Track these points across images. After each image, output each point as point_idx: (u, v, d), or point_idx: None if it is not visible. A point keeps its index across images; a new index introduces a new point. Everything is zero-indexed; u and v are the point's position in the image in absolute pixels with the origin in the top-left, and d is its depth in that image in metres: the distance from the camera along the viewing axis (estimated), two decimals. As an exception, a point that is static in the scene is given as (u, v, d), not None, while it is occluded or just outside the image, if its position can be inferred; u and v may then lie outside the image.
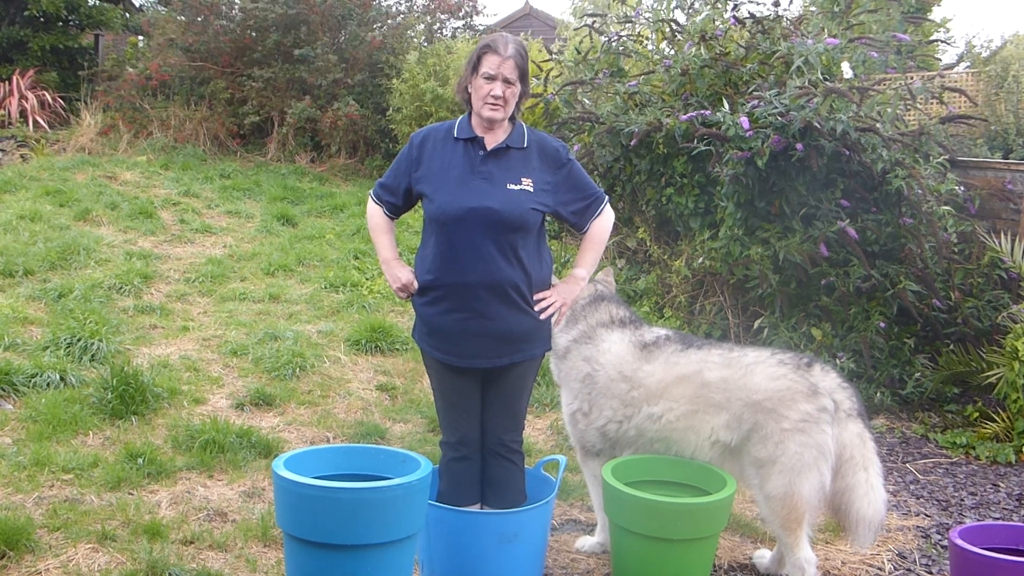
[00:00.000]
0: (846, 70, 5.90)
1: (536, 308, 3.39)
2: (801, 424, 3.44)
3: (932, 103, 7.24)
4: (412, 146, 3.43)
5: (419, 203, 3.50)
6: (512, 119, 3.41)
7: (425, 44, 12.46)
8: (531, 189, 3.32)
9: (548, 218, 3.50)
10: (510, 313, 3.33)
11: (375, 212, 3.54)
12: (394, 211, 3.51)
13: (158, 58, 12.19)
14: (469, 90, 3.35)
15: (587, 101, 7.18)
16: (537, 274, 3.39)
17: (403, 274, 3.43)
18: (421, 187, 3.37)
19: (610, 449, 3.78)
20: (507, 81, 3.27)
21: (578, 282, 3.51)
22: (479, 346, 3.34)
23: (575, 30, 9.95)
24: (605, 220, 3.50)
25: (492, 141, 3.35)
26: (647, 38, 7.75)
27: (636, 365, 3.69)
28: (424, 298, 3.41)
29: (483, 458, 3.48)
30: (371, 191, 3.57)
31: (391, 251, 3.51)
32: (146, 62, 12.48)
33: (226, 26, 12.18)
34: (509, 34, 3.41)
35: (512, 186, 3.30)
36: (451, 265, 3.30)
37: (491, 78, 3.27)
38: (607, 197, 3.55)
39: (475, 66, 3.31)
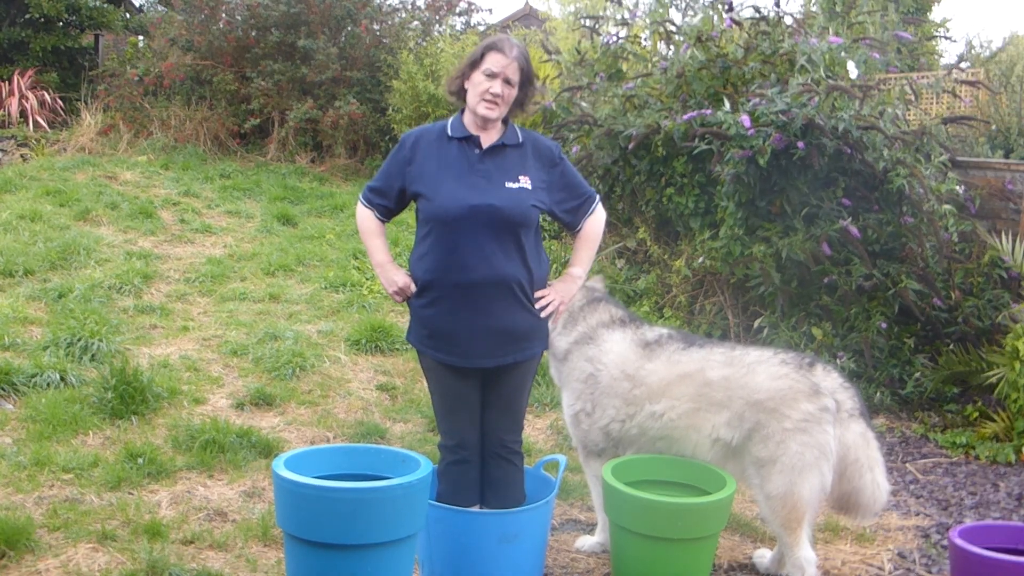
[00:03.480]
0: (851, 69, 5.90)
1: (536, 307, 3.40)
2: (802, 424, 3.44)
3: (935, 103, 7.25)
4: (404, 147, 3.39)
5: (411, 204, 3.48)
6: (504, 121, 3.41)
7: (422, 43, 12.46)
8: (529, 187, 3.33)
9: (545, 218, 3.51)
10: (513, 310, 3.33)
11: (366, 216, 3.48)
12: (386, 214, 3.47)
13: (167, 59, 12.18)
14: (465, 86, 3.34)
15: (584, 105, 7.18)
16: (537, 272, 3.40)
17: (399, 278, 3.42)
18: (416, 187, 3.34)
19: (613, 448, 3.78)
20: (508, 82, 3.28)
21: (575, 281, 3.52)
22: (483, 345, 3.32)
23: (573, 30, 9.95)
24: (598, 218, 3.52)
25: (487, 140, 3.35)
26: (643, 38, 7.74)
27: (639, 364, 3.69)
28: (423, 299, 3.38)
29: (483, 460, 3.47)
30: (360, 195, 3.52)
31: (385, 254, 3.48)
32: (147, 62, 12.47)
33: (229, 24, 12.18)
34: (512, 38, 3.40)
35: (511, 184, 3.30)
36: (453, 264, 3.28)
37: (493, 75, 3.26)
38: (599, 196, 3.56)
39: (476, 62, 3.30)
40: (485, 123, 3.33)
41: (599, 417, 3.72)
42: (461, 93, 3.38)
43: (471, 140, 3.34)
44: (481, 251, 3.25)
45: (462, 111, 3.41)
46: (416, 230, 3.44)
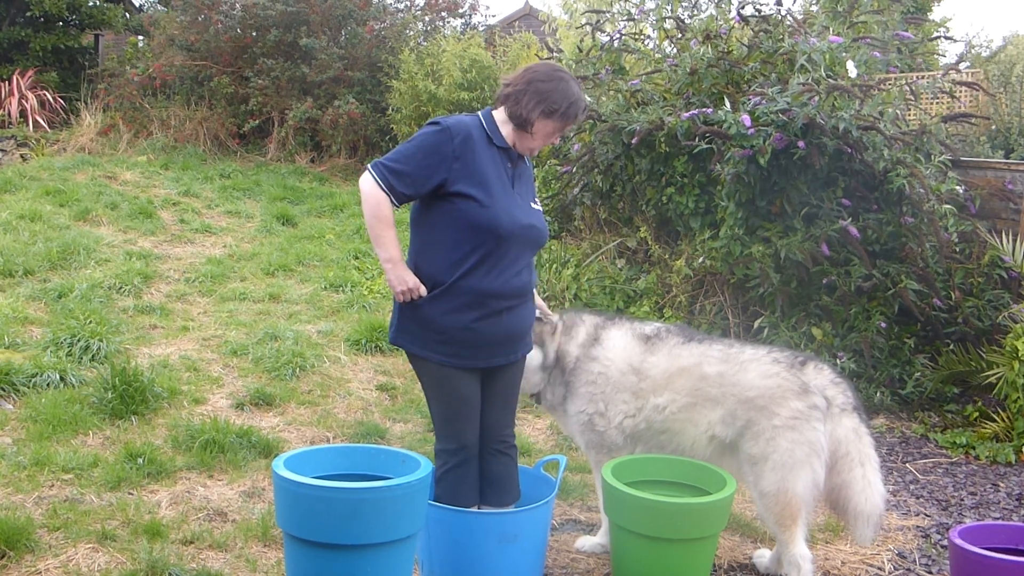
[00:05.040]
0: (851, 69, 5.90)
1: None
2: (792, 421, 3.46)
3: (934, 103, 7.25)
4: (451, 139, 3.16)
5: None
6: None
7: (423, 43, 12.46)
8: (541, 209, 3.45)
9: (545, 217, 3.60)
10: (525, 313, 3.43)
11: (382, 200, 3.15)
12: (401, 201, 3.20)
13: (162, 57, 12.21)
14: (532, 119, 3.23)
15: (588, 99, 7.18)
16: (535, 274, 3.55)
17: (410, 278, 3.24)
18: (467, 188, 3.17)
19: (631, 446, 3.79)
20: None
21: None
22: (501, 346, 3.36)
23: (577, 28, 9.96)
24: None
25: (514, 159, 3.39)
26: (648, 36, 7.75)
27: (642, 357, 3.74)
28: (443, 304, 3.25)
29: (482, 458, 3.46)
30: (374, 173, 3.17)
31: (398, 249, 3.22)
32: (146, 62, 12.48)
33: (227, 24, 12.19)
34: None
35: (535, 206, 3.41)
36: (495, 275, 3.24)
37: (562, 131, 3.37)
38: None
39: (568, 117, 3.28)
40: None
41: (613, 415, 3.74)
42: (522, 121, 3.25)
43: (508, 154, 3.32)
44: (518, 265, 3.31)
45: (490, 111, 3.34)
46: (437, 227, 3.26)
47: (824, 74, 5.93)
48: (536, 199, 3.45)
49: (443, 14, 13.39)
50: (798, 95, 5.61)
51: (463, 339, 3.27)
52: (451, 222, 3.21)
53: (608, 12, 8.53)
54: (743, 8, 7.01)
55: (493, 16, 28.90)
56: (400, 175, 3.15)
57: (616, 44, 7.27)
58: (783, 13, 6.84)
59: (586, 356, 3.80)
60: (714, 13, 7.09)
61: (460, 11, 13.53)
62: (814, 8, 7.78)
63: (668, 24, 7.32)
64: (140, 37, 14.42)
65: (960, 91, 7.04)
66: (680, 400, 3.63)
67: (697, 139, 5.96)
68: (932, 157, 6.08)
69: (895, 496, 4.65)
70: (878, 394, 5.74)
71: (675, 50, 7.11)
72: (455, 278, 3.21)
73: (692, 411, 3.62)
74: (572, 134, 7.12)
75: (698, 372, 3.63)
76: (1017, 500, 4.67)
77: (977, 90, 7.03)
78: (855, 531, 3.56)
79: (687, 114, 6.11)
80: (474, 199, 3.16)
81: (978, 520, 4.38)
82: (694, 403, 3.62)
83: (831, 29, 6.52)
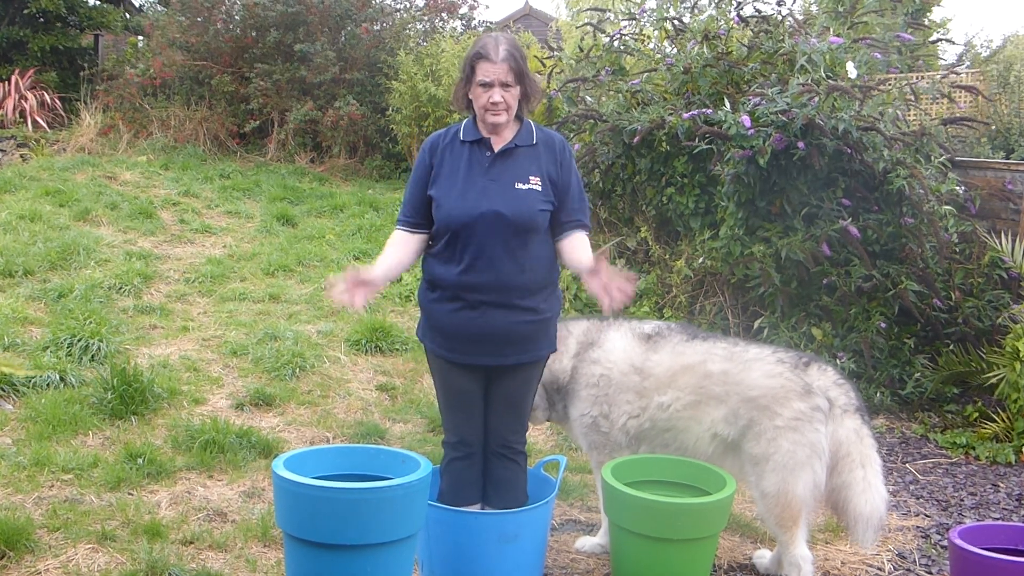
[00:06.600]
0: (851, 70, 5.91)
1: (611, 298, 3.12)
2: (793, 422, 3.46)
3: (934, 104, 7.26)
4: (424, 153, 3.41)
5: None
6: (520, 118, 3.39)
7: (423, 43, 12.46)
8: (539, 188, 3.31)
9: None
10: (514, 315, 3.32)
11: (392, 234, 3.48)
12: (404, 225, 3.42)
13: (162, 55, 12.20)
14: (470, 97, 3.33)
15: (589, 99, 7.19)
16: (545, 275, 3.38)
17: (339, 285, 3.32)
18: (432, 191, 3.36)
19: (636, 447, 3.78)
20: (504, 85, 3.25)
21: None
22: (483, 345, 3.34)
23: (578, 28, 9.97)
24: (588, 242, 3.42)
25: (500, 142, 3.34)
26: (649, 37, 7.77)
27: (645, 356, 3.73)
28: (433, 295, 3.40)
29: (486, 459, 3.47)
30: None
31: (377, 266, 3.40)
32: (146, 62, 12.47)
33: (227, 25, 12.18)
34: (500, 34, 3.38)
35: (520, 185, 3.29)
36: (459, 267, 3.29)
37: (488, 85, 3.24)
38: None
39: (470, 75, 3.29)
40: (496, 129, 3.33)
41: (617, 416, 3.73)
42: (470, 105, 3.36)
43: (483, 143, 3.34)
44: (487, 257, 3.26)
45: (475, 115, 3.40)
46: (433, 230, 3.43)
47: (824, 75, 5.94)
48: (532, 179, 3.30)
49: (443, 15, 13.37)
50: (798, 96, 5.62)
51: (446, 330, 3.36)
52: (434, 223, 3.40)
53: (610, 12, 8.54)
54: (742, 9, 7.02)
55: (488, 7, 28.65)
56: (403, 204, 3.47)
57: (616, 44, 7.27)
58: (783, 14, 6.85)
59: (584, 360, 3.79)
60: (714, 14, 7.09)
61: (460, 12, 13.52)
62: (814, 9, 7.78)
63: (668, 24, 7.32)
64: (140, 38, 14.41)
65: (958, 94, 7.04)
66: (684, 398, 3.63)
67: (697, 139, 5.97)
68: (932, 158, 6.09)
69: (895, 496, 4.65)
70: (878, 394, 5.74)
71: (675, 51, 7.11)
72: (433, 271, 3.39)
73: (696, 409, 3.62)
74: (572, 134, 7.12)
75: (702, 369, 3.62)
76: (1017, 500, 4.68)
77: (975, 94, 7.03)
78: (855, 534, 3.54)
79: (688, 114, 6.12)
80: (435, 200, 3.35)
81: (978, 520, 4.38)
82: (698, 401, 3.61)
83: (831, 30, 6.53)
